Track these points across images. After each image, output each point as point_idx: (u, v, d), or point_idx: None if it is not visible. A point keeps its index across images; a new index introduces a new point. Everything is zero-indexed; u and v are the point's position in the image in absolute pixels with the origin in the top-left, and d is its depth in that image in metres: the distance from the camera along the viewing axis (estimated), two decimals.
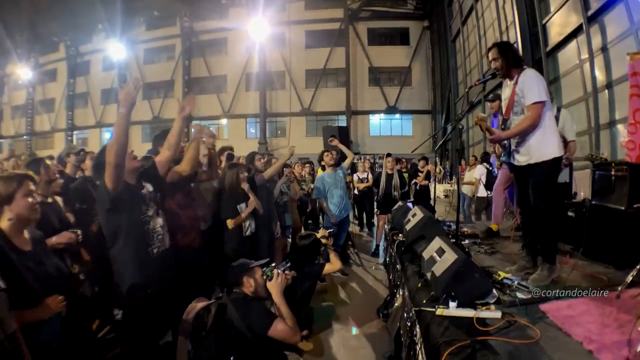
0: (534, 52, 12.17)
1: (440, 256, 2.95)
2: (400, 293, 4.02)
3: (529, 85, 3.32)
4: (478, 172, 9.04)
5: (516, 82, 3.41)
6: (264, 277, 3.03)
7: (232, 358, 2.65)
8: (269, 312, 2.88)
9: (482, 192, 8.73)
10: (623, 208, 3.69)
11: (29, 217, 2.38)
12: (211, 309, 2.79)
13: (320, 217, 8.27)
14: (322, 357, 4.04)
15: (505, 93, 3.63)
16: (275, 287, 2.97)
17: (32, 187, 2.39)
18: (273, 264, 3.18)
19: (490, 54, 3.57)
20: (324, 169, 7.08)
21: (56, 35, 33.43)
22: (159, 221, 3.17)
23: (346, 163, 6.97)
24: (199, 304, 2.91)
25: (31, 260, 2.32)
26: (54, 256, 2.62)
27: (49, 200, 3.60)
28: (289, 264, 3.29)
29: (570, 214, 4.58)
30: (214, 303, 2.86)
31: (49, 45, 34.71)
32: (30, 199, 2.34)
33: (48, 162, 3.82)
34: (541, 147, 3.32)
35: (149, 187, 3.18)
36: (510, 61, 3.46)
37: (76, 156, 5.13)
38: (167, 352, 3.50)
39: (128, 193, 2.91)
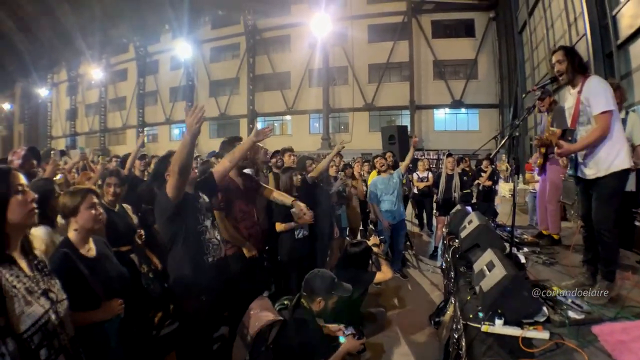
0: (604, 45, 11.39)
1: (490, 270, 2.89)
2: (452, 302, 3.97)
3: (595, 93, 3.13)
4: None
5: (580, 91, 3.24)
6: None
7: None
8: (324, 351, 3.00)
9: None
10: None
11: (93, 227, 2.58)
12: (274, 326, 2.95)
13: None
14: None
15: (569, 102, 3.43)
16: (347, 345, 3.14)
17: (95, 200, 2.60)
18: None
19: (554, 57, 3.38)
20: (379, 172, 7.01)
21: (126, 37, 35.33)
22: (215, 233, 3.32)
23: (402, 167, 6.89)
24: (262, 317, 3.06)
25: (95, 266, 2.52)
26: (117, 261, 2.83)
27: (116, 209, 3.88)
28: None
29: (637, 223, 4.34)
30: (277, 322, 3.00)
31: (119, 46, 36.83)
32: (93, 211, 2.56)
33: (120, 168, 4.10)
34: (609, 160, 3.12)
35: (205, 198, 3.33)
36: (576, 65, 3.28)
37: (141, 160, 5.59)
38: (220, 343, 3.87)
39: (187, 203, 3.04)
